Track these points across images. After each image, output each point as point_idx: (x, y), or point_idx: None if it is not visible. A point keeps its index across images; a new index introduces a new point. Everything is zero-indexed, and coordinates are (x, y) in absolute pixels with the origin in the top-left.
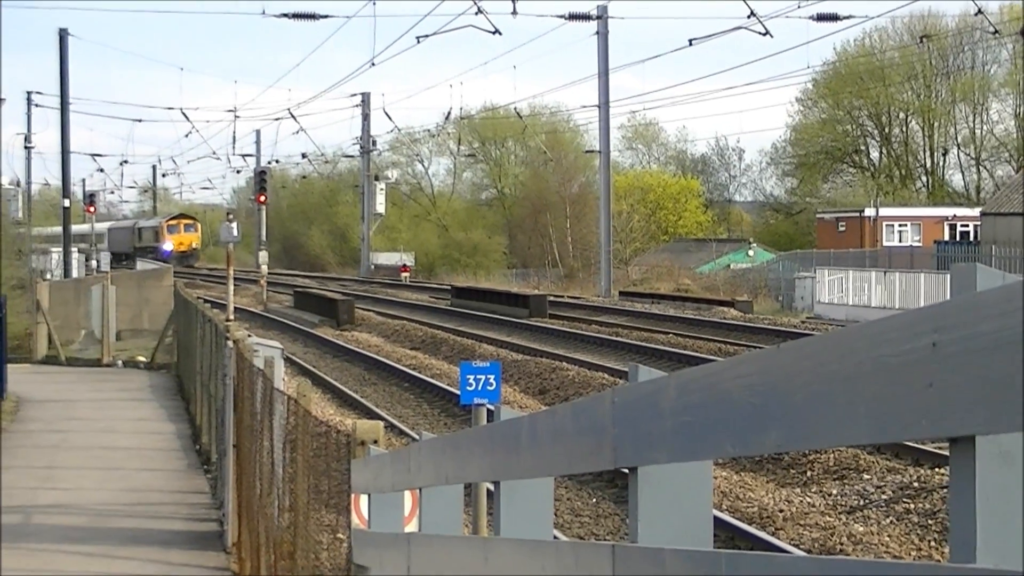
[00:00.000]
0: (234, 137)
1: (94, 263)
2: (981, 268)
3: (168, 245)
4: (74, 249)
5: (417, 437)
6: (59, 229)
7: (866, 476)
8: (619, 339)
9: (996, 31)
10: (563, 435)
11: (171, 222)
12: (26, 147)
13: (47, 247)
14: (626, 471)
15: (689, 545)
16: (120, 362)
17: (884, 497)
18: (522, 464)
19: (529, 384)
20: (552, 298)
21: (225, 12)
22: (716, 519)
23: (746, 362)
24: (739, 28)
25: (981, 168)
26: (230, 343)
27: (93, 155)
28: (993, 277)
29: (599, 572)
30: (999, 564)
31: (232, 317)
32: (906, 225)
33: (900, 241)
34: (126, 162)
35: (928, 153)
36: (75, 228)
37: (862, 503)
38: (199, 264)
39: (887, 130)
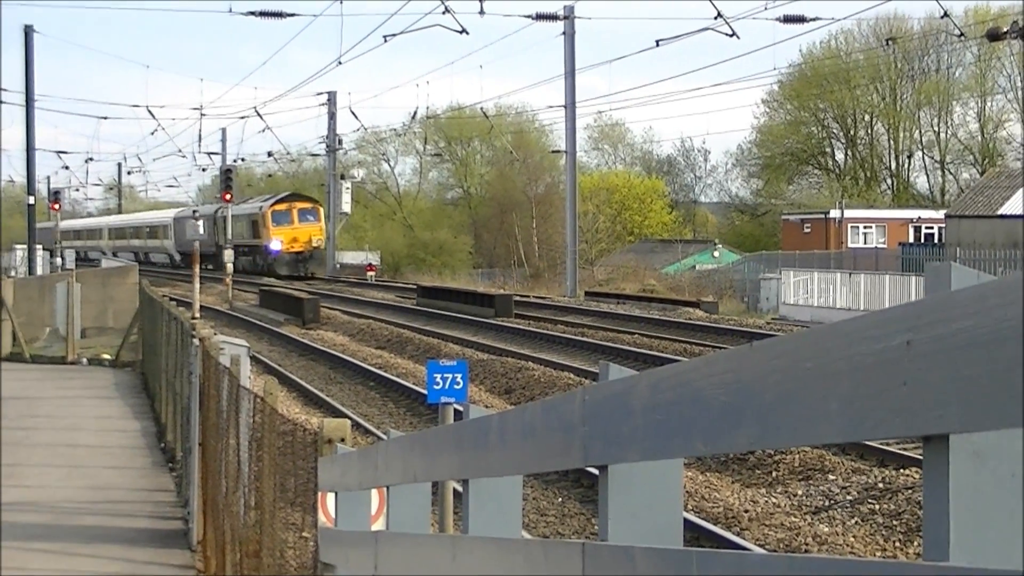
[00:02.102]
0: (200, 135)
1: (59, 260)
2: (956, 267)
3: (276, 243)
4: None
5: (383, 436)
6: (90, 221)
7: (831, 477)
8: (585, 339)
9: (961, 34)
10: (533, 433)
11: (278, 206)
12: None
13: (73, 243)
14: (595, 470)
15: (659, 543)
16: (85, 360)
17: (849, 498)
18: (491, 462)
19: (495, 383)
20: (518, 298)
21: (191, 9)
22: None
23: (718, 361)
24: (706, 29)
25: (945, 171)
26: (196, 341)
27: (58, 152)
28: (967, 276)
29: (569, 571)
30: (972, 562)
31: (198, 315)
32: (871, 227)
33: (865, 243)
34: (91, 159)
35: (893, 156)
36: (110, 220)
37: (827, 504)
38: (328, 286)
39: (852, 132)
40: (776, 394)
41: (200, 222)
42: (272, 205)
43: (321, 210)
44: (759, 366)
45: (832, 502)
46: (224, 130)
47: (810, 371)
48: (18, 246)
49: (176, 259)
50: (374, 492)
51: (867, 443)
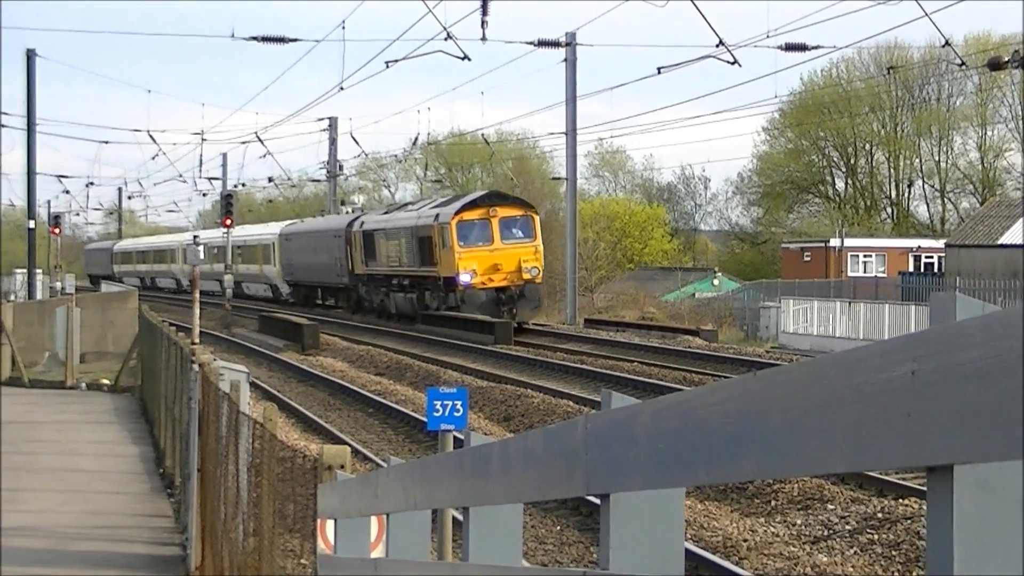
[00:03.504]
0: (201, 160)
1: (59, 284)
2: (961, 297)
3: (467, 275)
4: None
5: (382, 463)
6: (159, 240)
7: (830, 506)
8: (584, 367)
9: (963, 63)
10: (534, 461)
11: (469, 214)
12: None
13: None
14: (596, 499)
15: (660, 573)
16: (84, 384)
17: (848, 527)
18: (492, 490)
19: (494, 411)
20: (517, 324)
21: (193, 34)
22: None
23: (722, 389)
24: (708, 57)
25: (946, 200)
26: (196, 366)
27: (59, 176)
28: (972, 307)
29: None
30: None
31: (197, 340)
32: (871, 256)
33: (865, 272)
34: (92, 184)
35: (893, 184)
36: (185, 239)
37: (826, 533)
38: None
39: (852, 161)
40: (780, 423)
41: (201, 248)
42: (461, 212)
43: (537, 219)
44: (763, 395)
45: (831, 532)
46: (225, 155)
47: (814, 400)
48: (18, 270)
49: (281, 291)
50: (373, 519)
51: (867, 473)
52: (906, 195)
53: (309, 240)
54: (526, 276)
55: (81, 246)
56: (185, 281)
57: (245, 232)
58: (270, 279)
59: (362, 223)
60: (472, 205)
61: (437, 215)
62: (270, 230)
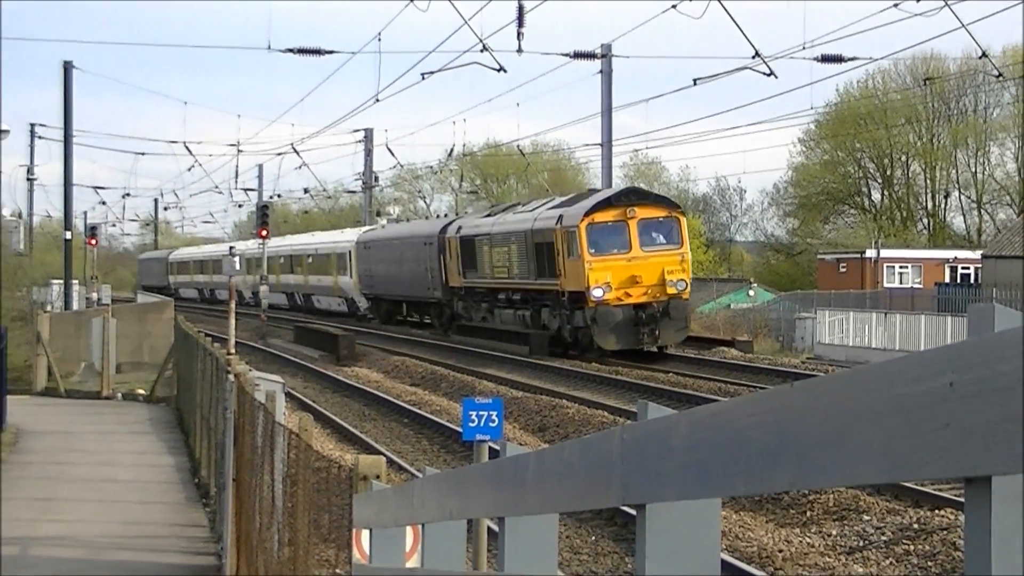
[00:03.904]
0: (237, 171)
1: (95, 295)
2: (999, 309)
3: (599, 289)
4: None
5: (417, 473)
6: (217, 247)
7: (866, 517)
8: (619, 377)
9: (1000, 74)
10: (570, 472)
11: (602, 215)
12: (28, 179)
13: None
14: (632, 509)
15: None
16: (120, 395)
17: (884, 538)
18: (528, 500)
19: (528, 421)
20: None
21: (230, 46)
22: None
23: (759, 400)
24: (744, 68)
25: (982, 211)
26: (231, 377)
27: (95, 188)
28: (1011, 318)
29: None
30: None
31: (233, 351)
32: (907, 267)
33: (901, 283)
34: (128, 195)
35: (929, 196)
36: (248, 246)
37: (862, 544)
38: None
39: (888, 172)
40: (817, 434)
41: (236, 258)
42: (590, 213)
43: (684, 222)
44: (800, 406)
45: (867, 542)
46: (261, 166)
47: (852, 411)
48: (54, 281)
49: (359, 305)
50: (409, 529)
51: (903, 483)
52: (942, 206)
53: (392, 248)
54: (671, 291)
55: (134, 256)
56: (249, 293)
57: (315, 240)
58: (345, 292)
59: (459, 228)
60: (605, 204)
61: (560, 217)
62: (346, 237)
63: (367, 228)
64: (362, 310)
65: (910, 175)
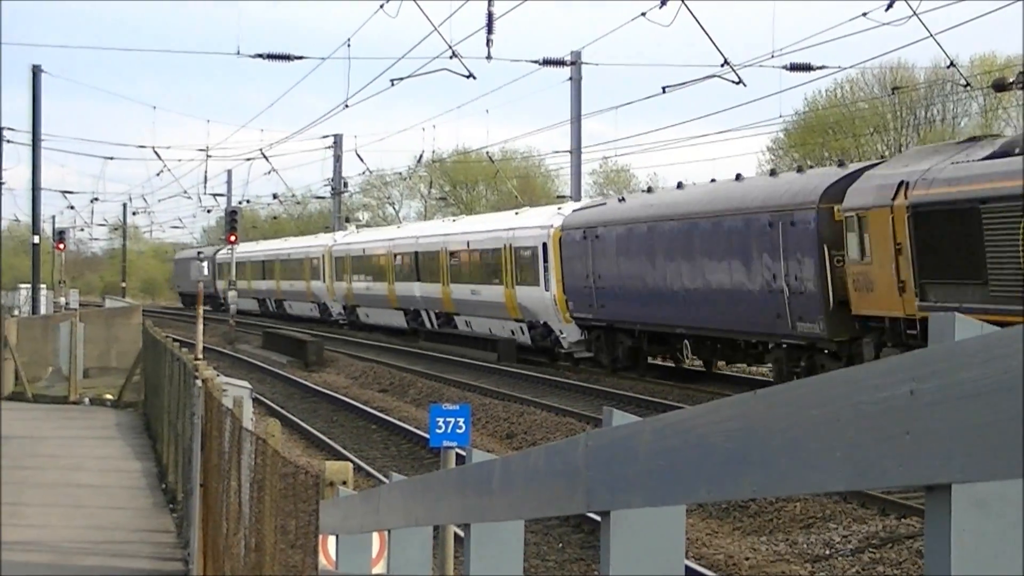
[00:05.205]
0: (205, 176)
1: (63, 299)
2: (960, 318)
3: None
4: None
5: (384, 479)
6: (296, 242)
7: (832, 525)
8: (587, 384)
9: (967, 84)
10: (535, 478)
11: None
12: None
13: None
14: (597, 516)
15: None
16: (87, 399)
17: (850, 546)
18: (494, 507)
19: (497, 428)
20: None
21: (199, 51)
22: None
23: (723, 408)
24: (713, 76)
25: None
26: (199, 382)
27: (64, 192)
28: (971, 327)
29: None
30: None
31: (201, 356)
32: None
33: None
34: (97, 199)
35: None
36: (337, 239)
37: (828, 552)
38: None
39: None
40: (781, 442)
41: (204, 263)
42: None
43: None
44: (763, 414)
45: (833, 551)
46: (230, 171)
47: (814, 419)
48: (22, 285)
49: (331, 311)
50: (375, 535)
51: (869, 492)
52: None
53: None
54: None
55: (171, 255)
56: (330, 302)
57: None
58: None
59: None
60: None
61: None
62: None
63: (344, 234)
64: (334, 315)
65: None
